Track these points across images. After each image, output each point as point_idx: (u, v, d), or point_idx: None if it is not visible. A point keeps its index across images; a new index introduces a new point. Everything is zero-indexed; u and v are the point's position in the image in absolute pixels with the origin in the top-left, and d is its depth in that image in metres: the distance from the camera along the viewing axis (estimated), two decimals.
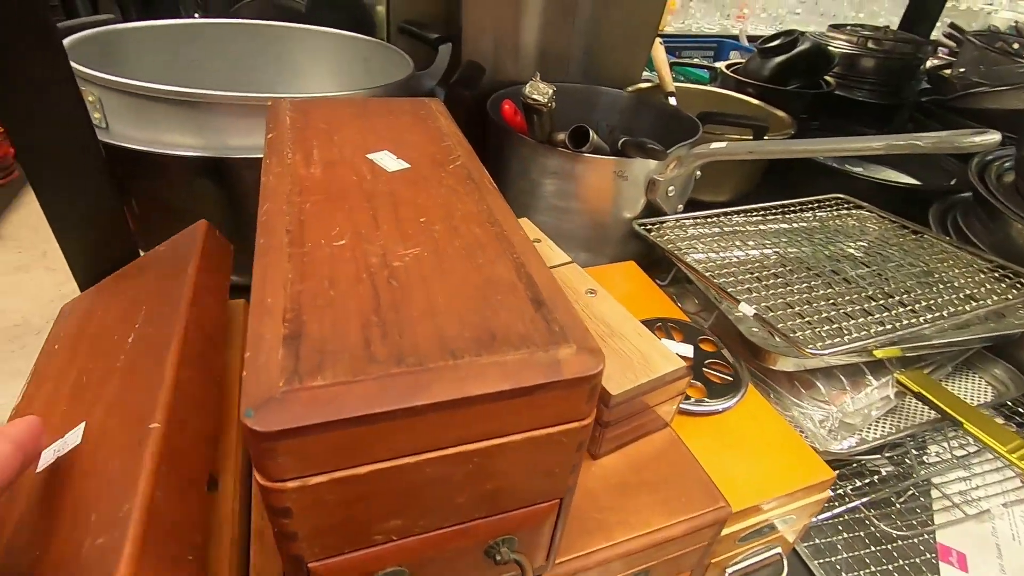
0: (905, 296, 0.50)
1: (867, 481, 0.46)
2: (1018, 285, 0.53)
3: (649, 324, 0.44)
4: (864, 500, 0.44)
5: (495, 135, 0.61)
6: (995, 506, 0.46)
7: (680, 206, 0.61)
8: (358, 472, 0.18)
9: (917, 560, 0.42)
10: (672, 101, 0.77)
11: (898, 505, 0.45)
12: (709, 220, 0.61)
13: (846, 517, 0.44)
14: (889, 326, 0.45)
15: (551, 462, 0.22)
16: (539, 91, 0.54)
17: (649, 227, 0.58)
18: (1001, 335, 0.51)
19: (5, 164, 0.89)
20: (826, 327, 0.44)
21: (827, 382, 0.48)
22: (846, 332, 0.44)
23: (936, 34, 1.23)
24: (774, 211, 0.64)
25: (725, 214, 0.62)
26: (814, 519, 0.41)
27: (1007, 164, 0.68)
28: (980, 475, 0.48)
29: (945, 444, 0.50)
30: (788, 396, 0.47)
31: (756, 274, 0.51)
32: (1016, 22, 1.44)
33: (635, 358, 0.33)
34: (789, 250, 0.57)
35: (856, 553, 0.42)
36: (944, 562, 0.42)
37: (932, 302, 0.49)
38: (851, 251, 0.58)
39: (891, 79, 1.04)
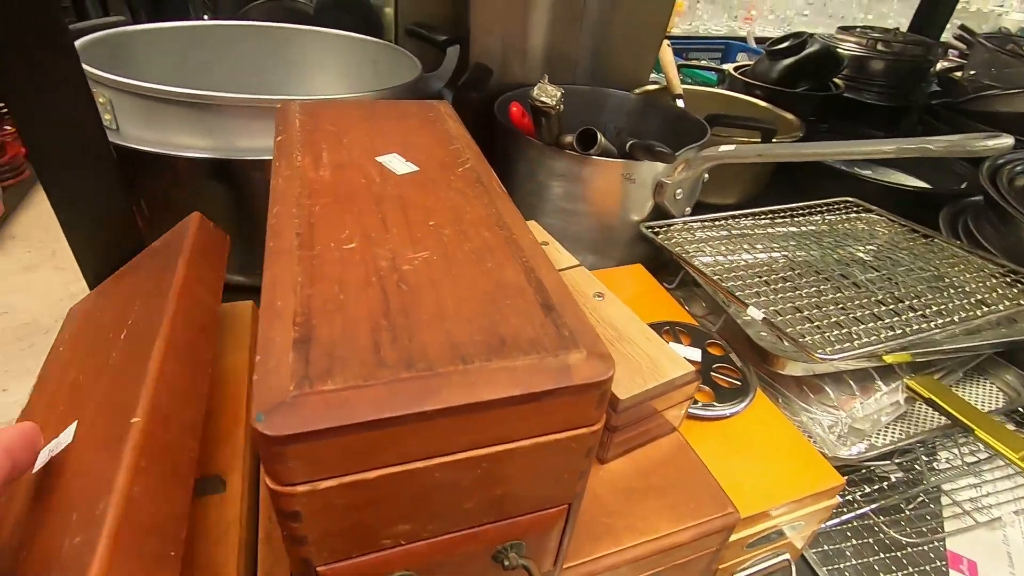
0: (915, 301, 0.49)
1: (876, 487, 0.45)
2: None
3: (657, 327, 0.44)
4: (873, 506, 0.44)
5: (502, 137, 0.61)
6: (1006, 514, 0.45)
7: (688, 209, 0.61)
8: (367, 476, 0.18)
9: (927, 568, 0.41)
10: (680, 103, 0.77)
11: (908, 512, 0.45)
12: (717, 223, 0.61)
13: (855, 523, 0.44)
14: (899, 331, 0.44)
15: (560, 468, 0.22)
16: (548, 94, 0.54)
17: (657, 230, 0.58)
18: (1013, 341, 0.51)
19: (15, 164, 0.90)
20: (835, 332, 0.44)
21: (836, 387, 0.47)
22: (856, 337, 0.43)
23: (946, 36, 1.22)
24: (782, 214, 0.64)
25: (733, 217, 0.62)
26: (822, 525, 0.41)
27: (1019, 167, 0.68)
28: (991, 482, 0.47)
29: (956, 450, 0.49)
30: (797, 401, 0.47)
31: (764, 278, 0.51)
32: None
33: (643, 362, 0.33)
34: (798, 254, 0.57)
35: (865, 560, 0.41)
36: (954, 570, 0.41)
37: (943, 307, 0.49)
38: (860, 255, 0.58)
39: (901, 81, 1.03)
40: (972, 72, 1.03)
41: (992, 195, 0.61)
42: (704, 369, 0.42)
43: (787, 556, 0.38)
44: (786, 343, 0.43)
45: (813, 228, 0.63)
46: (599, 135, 0.54)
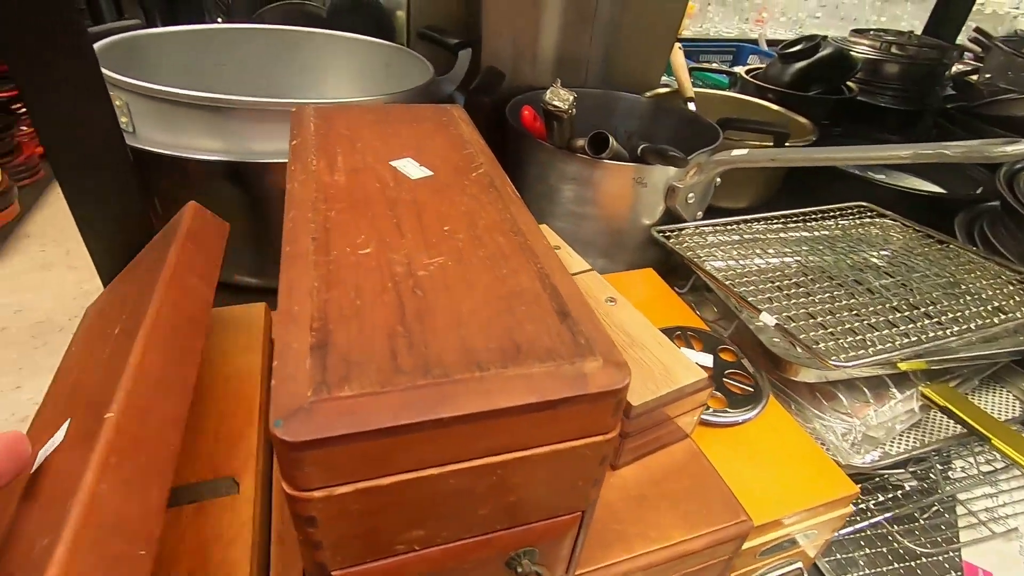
0: (931, 308, 0.49)
1: (890, 496, 0.45)
2: None
3: (668, 332, 0.44)
4: (887, 515, 0.43)
5: (513, 140, 0.61)
6: (1023, 524, 0.45)
7: (699, 213, 0.61)
8: (383, 483, 0.18)
9: None
10: (691, 106, 0.76)
11: (922, 521, 0.44)
12: (729, 227, 0.60)
13: (868, 532, 0.43)
14: (914, 338, 0.44)
15: (574, 475, 0.22)
16: (560, 97, 0.54)
17: (668, 234, 0.57)
18: None
19: (31, 164, 0.91)
20: (849, 338, 0.43)
21: (849, 394, 0.47)
22: (870, 344, 0.43)
23: (961, 39, 1.20)
24: (795, 219, 0.63)
25: (745, 221, 0.61)
26: (836, 534, 0.40)
27: None
28: (1007, 492, 0.47)
29: (971, 459, 0.49)
30: (810, 408, 0.46)
31: (777, 283, 0.51)
32: None
33: (656, 369, 0.33)
34: (810, 259, 0.56)
35: (879, 569, 0.41)
36: None
37: (959, 314, 0.48)
38: (874, 260, 0.57)
39: (915, 85, 1.02)
40: (988, 75, 1.02)
41: (1009, 200, 0.60)
42: (716, 375, 0.42)
43: (799, 565, 0.38)
44: (799, 349, 0.42)
45: (826, 233, 0.62)
46: (611, 139, 0.54)
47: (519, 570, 0.23)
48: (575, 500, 0.23)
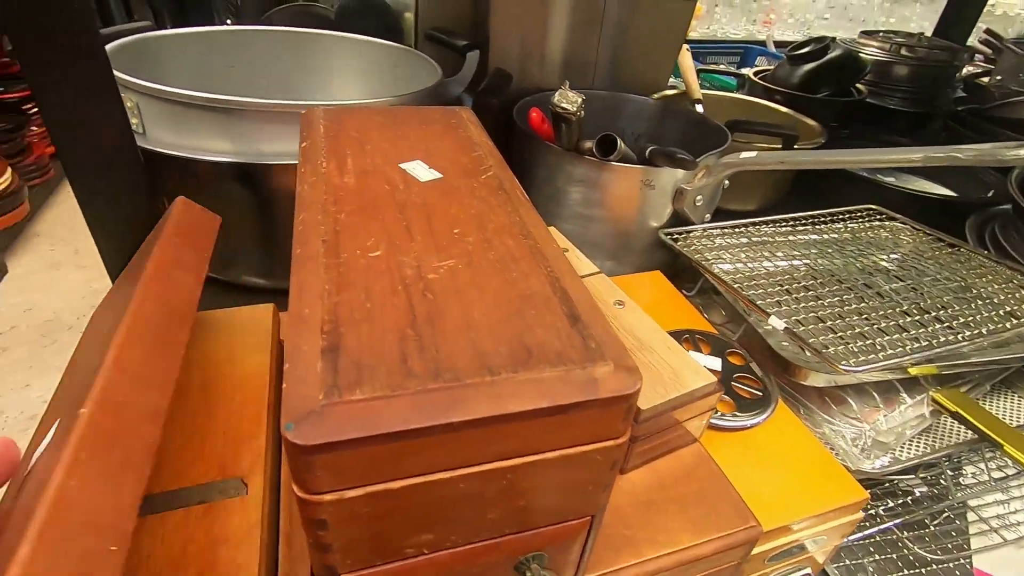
0: (942, 312, 0.48)
1: (900, 502, 0.45)
2: None
3: (676, 336, 0.43)
4: (897, 521, 0.43)
5: (521, 142, 0.61)
6: None
7: (707, 215, 0.60)
8: (393, 486, 0.18)
9: None
10: (699, 108, 0.76)
11: (932, 528, 0.44)
12: (737, 230, 0.60)
13: (878, 538, 0.43)
14: (925, 343, 0.44)
15: (584, 480, 0.21)
16: (568, 100, 0.54)
17: (676, 236, 0.57)
18: None
19: (41, 164, 0.92)
20: (859, 343, 0.43)
21: (859, 399, 0.47)
22: (880, 348, 0.42)
23: (972, 40, 1.19)
24: (804, 222, 0.63)
25: (753, 224, 0.61)
26: (845, 540, 0.40)
27: None
28: (1019, 499, 0.46)
29: (982, 465, 0.48)
30: (819, 412, 0.46)
31: (786, 286, 0.50)
32: None
33: (665, 373, 0.33)
34: (820, 262, 0.56)
35: None
36: None
37: (970, 319, 0.48)
38: (884, 264, 0.57)
39: (925, 87, 1.02)
40: (999, 78, 1.01)
41: (1021, 204, 0.60)
42: (724, 379, 0.42)
43: (808, 570, 0.38)
44: (808, 353, 0.42)
45: (835, 236, 0.62)
46: (619, 141, 0.54)
47: (528, 575, 0.23)
48: (585, 505, 0.23)
